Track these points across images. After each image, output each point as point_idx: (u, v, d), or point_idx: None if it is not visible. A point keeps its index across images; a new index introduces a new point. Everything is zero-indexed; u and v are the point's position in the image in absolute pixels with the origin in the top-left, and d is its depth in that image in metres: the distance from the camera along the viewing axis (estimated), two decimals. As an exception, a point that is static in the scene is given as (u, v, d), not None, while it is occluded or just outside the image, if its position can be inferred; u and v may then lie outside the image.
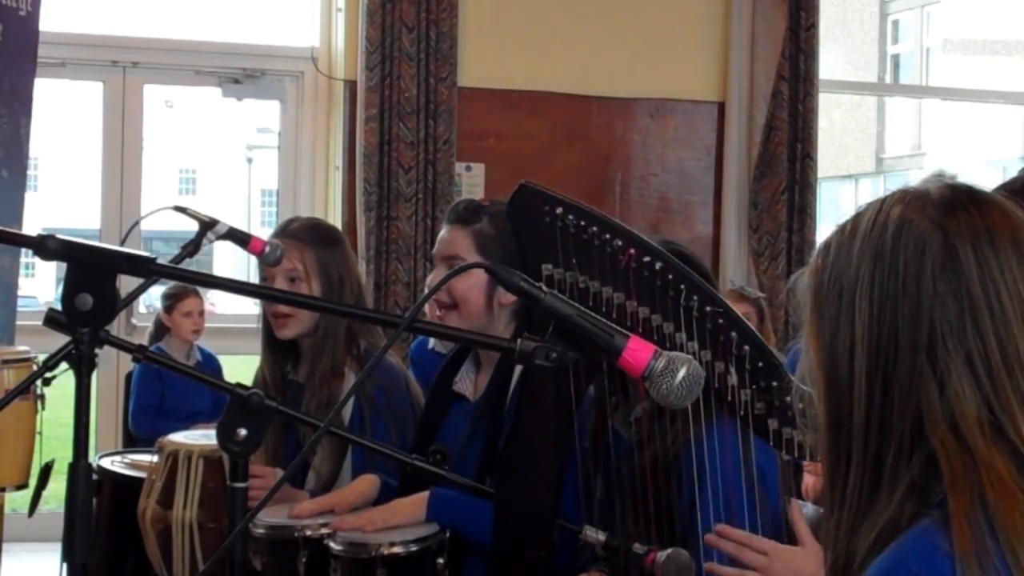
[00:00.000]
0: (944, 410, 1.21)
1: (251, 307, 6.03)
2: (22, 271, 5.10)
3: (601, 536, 2.08)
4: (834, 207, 16.33)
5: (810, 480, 4.22)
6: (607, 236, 2.23)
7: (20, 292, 5.00)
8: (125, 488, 2.83)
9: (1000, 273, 1.22)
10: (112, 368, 5.76)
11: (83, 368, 1.66)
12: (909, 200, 1.27)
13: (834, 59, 16.30)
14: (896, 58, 21.05)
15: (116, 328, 2.79)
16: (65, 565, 1.68)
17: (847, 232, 1.29)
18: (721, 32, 6.33)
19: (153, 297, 6.29)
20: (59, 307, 1.69)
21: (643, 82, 6.28)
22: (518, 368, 2.51)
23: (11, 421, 3.17)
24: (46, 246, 1.70)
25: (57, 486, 2.23)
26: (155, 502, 2.69)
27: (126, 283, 2.12)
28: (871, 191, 20.15)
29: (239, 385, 1.74)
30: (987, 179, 2.02)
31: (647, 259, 2.20)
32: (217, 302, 9.68)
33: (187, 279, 2.59)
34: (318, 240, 2.97)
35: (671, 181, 6.37)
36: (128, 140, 6.18)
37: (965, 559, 1.14)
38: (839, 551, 1.25)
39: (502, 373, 2.57)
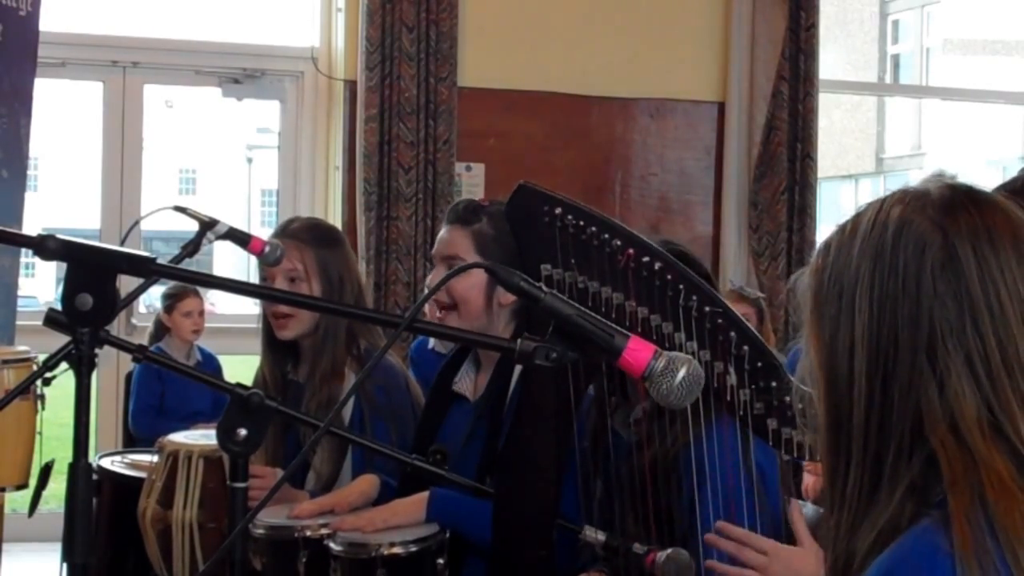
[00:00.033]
0: (944, 410, 1.21)
1: (251, 307, 6.03)
2: (22, 271, 5.10)
3: (601, 536, 2.08)
4: (834, 207, 16.33)
5: (810, 480, 4.22)
6: (606, 236, 2.23)
7: (20, 292, 5.00)
8: (125, 488, 2.83)
9: (1000, 273, 1.22)
10: (112, 368, 5.76)
11: (83, 368, 1.66)
12: (909, 200, 1.27)
13: (834, 59, 16.30)
14: (896, 58, 21.05)
15: (116, 328, 2.79)
16: (65, 565, 1.68)
17: (847, 232, 1.29)
18: (721, 32, 6.33)
19: (153, 297, 6.29)
20: (59, 307, 1.69)
21: (643, 82, 6.28)
22: (518, 368, 2.51)
23: (11, 421, 3.17)
24: (46, 246, 1.70)
25: (57, 486, 2.23)
26: (155, 502, 2.69)
27: (126, 283, 2.12)
28: (871, 191, 20.15)
29: (239, 385, 1.74)
30: (987, 179, 2.02)
31: (646, 259, 2.20)
32: (217, 302, 9.68)
33: (187, 279, 2.59)
34: (318, 240, 2.97)
35: (671, 181, 6.37)
36: (128, 140, 6.18)
37: (965, 559, 1.14)
38: (839, 551, 1.25)
39: (502, 373, 2.57)
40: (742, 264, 6.28)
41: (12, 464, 3.24)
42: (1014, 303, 1.22)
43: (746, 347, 2.15)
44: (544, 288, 1.69)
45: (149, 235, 13.20)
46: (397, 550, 2.33)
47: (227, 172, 27.77)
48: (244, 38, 7.10)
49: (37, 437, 3.24)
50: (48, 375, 1.83)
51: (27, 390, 3.03)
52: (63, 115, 17.33)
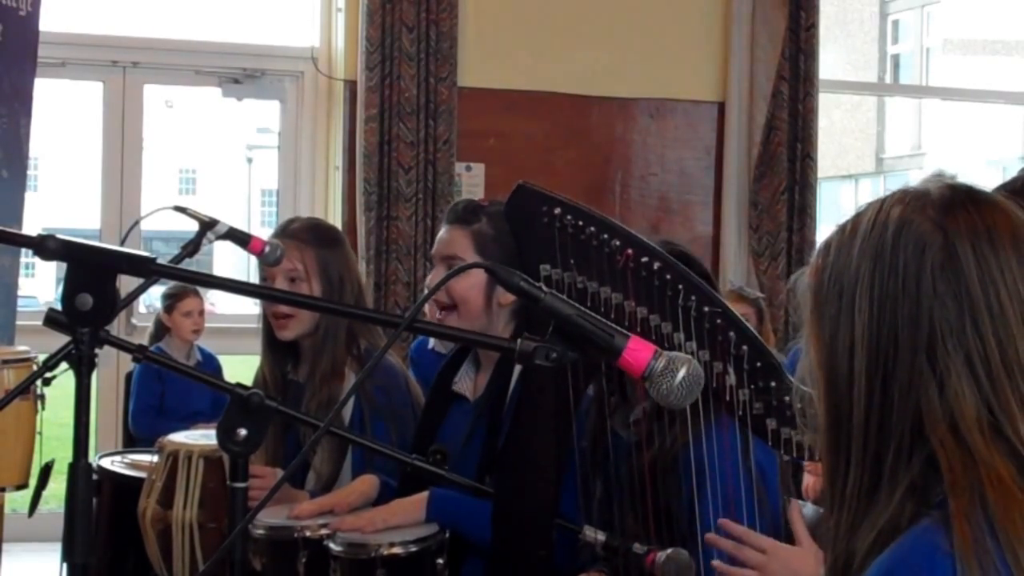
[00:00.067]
0: (944, 410, 1.21)
1: (251, 307, 6.03)
2: (22, 271, 5.10)
3: (601, 536, 2.08)
4: (834, 207, 16.33)
5: (810, 480, 4.23)
6: (605, 236, 2.23)
7: (20, 292, 5.01)
8: (125, 488, 2.83)
9: (1000, 273, 1.22)
10: (112, 368, 5.76)
11: (83, 368, 1.66)
12: (909, 200, 1.27)
13: (834, 59, 16.30)
14: (896, 58, 21.05)
15: (116, 328, 2.79)
16: (65, 565, 1.68)
17: (847, 232, 1.29)
18: (721, 32, 6.33)
19: (153, 297, 6.29)
20: (59, 307, 1.69)
21: (643, 82, 6.28)
22: (517, 368, 2.51)
23: (11, 421, 3.17)
24: (46, 246, 1.70)
25: (57, 486, 2.23)
26: (155, 502, 2.69)
27: (126, 283, 2.12)
28: (871, 191, 20.15)
29: (239, 385, 1.74)
30: (987, 179, 2.02)
31: (645, 259, 2.20)
32: (217, 302, 9.68)
33: (187, 279, 2.59)
34: (318, 240, 2.97)
35: (671, 181, 6.37)
36: (128, 140, 6.18)
37: (965, 559, 1.14)
38: (838, 551, 1.25)
39: (501, 373, 2.57)
40: (742, 264, 6.28)
41: (12, 464, 3.24)
42: (1014, 303, 1.22)
43: (745, 347, 2.15)
44: (544, 288, 1.69)
45: (149, 235, 13.20)
46: (397, 550, 2.33)
47: (227, 172, 27.77)
48: (244, 38, 7.10)
49: (37, 437, 3.24)
50: (48, 375, 1.83)
51: (27, 390, 3.03)
52: (63, 115, 17.33)
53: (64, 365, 1.71)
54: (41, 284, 19.60)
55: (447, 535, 2.40)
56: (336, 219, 5.87)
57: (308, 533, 2.42)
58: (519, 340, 1.68)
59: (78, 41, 6.12)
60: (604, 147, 6.28)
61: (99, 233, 6.15)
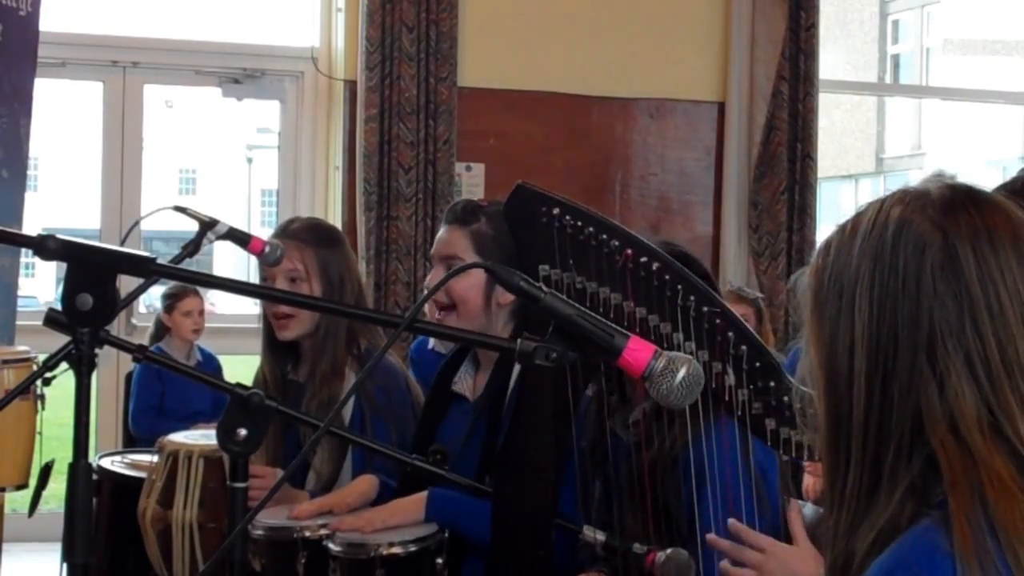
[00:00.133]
0: (944, 410, 1.21)
1: (251, 307, 6.03)
2: (22, 271, 5.10)
3: (600, 536, 2.08)
4: (834, 207, 16.32)
5: (810, 481, 4.23)
6: (604, 236, 2.23)
7: (20, 292, 5.01)
8: (125, 488, 2.83)
9: (1000, 274, 1.22)
10: (112, 368, 5.76)
11: (83, 368, 1.66)
12: (909, 200, 1.27)
13: (834, 59, 16.30)
14: (896, 58, 21.05)
15: (116, 328, 2.79)
16: (65, 565, 1.68)
17: (847, 232, 1.29)
18: (721, 32, 6.33)
19: (153, 297, 6.29)
20: (59, 307, 1.69)
21: (643, 82, 6.28)
22: (517, 368, 2.51)
23: (11, 421, 3.17)
24: (46, 246, 1.70)
25: (57, 486, 2.23)
26: (155, 502, 2.69)
27: (126, 283, 2.12)
28: (871, 191, 20.15)
29: (239, 385, 1.74)
30: (987, 179, 2.02)
31: (644, 259, 2.20)
32: (217, 302, 9.68)
33: (187, 279, 2.59)
34: (318, 240, 2.97)
35: (671, 181, 6.37)
36: (128, 140, 6.18)
37: (965, 559, 1.14)
38: (838, 551, 1.25)
39: (501, 373, 2.57)
40: (742, 264, 6.28)
41: (12, 464, 3.24)
42: (1014, 303, 1.22)
43: (744, 347, 2.15)
44: (544, 288, 1.69)
45: (149, 235, 13.20)
46: (396, 550, 2.33)
47: (227, 172, 27.77)
48: (244, 38, 7.10)
49: (37, 437, 3.24)
50: (48, 375, 1.83)
51: (27, 390, 3.03)
52: (63, 115, 17.34)
53: (64, 365, 1.70)
54: (41, 284, 19.60)
55: (446, 535, 2.40)
56: (336, 219, 5.87)
57: (307, 533, 2.42)
58: (519, 340, 1.68)
59: (78, 41, 6.12)
60: (604, 147, 6.28)
61: (99, 233, 6.15)
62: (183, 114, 23.04)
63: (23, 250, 4.45)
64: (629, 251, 2.21)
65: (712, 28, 6.33)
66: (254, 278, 3.12)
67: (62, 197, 23.49)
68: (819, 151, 6.38)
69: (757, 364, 2.15)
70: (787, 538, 2.00)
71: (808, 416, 1.34)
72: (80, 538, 1.65)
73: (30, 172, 5.41)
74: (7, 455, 3.23)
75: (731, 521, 2.00)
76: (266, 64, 6.22)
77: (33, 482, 3.01)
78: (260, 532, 2.44)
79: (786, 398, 2.11)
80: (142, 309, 6.50)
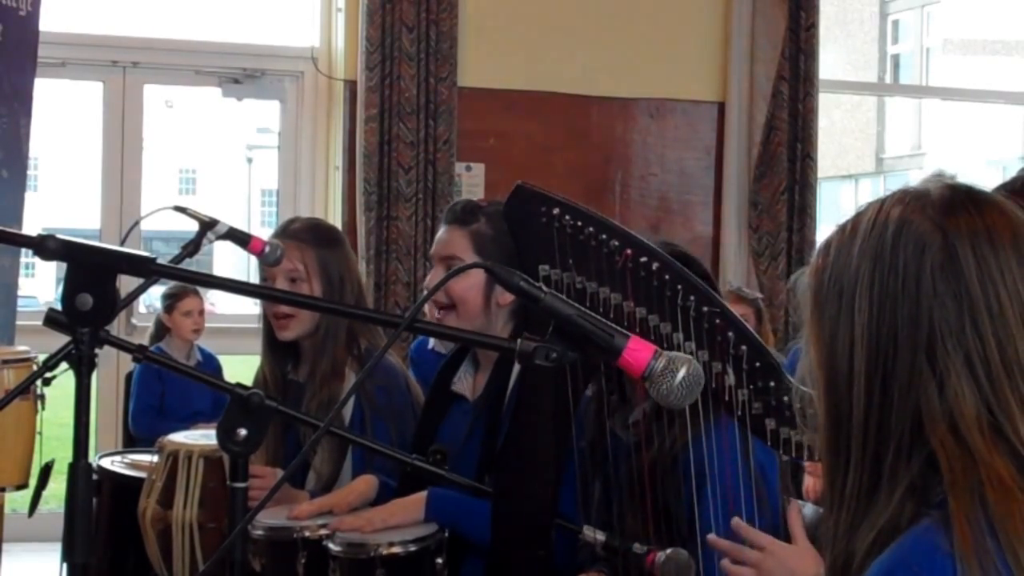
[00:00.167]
0: (943, 410, 1.21)
1: (251, 307, 6.03)
2: (22, 271, 5.10)
3: (600, 536, 2.08)
4: (834, 207, 16.32)
5: (810, 481, 4.23)
6: (604, 236, 2.23)
7: (20, 292, 5.00)
8: (125, 488, 2.83)
9: (1000, 274, 1.22)
10: (112, 368, 5.76)
11: (83, 368, 1.66)
12: (909, 200, 1.27)
13: (834, 59, 16.30)
14: (896, 58, 21.05)
15: (116, 328, 2.79)
16: (65, 565, 1.68)
17: (847, 232, 1.29)
18: (721, 32, 6.33)
19: (153, 297, 6.29)
20: (59, 307, 1.69)
21: (643, 82, 6.28)
22: (516, 368, 2.51)
23: (11, 421, 3.17)
24: (46, 246, 1.70)
25: (57, 486, 2.23)
26: (155, 502, 2.69)
27: (126, 283, 2.12)
28: (871, 191, 20.15)
29: (239, 385, 1.74)
30: (987, 179, 2.02)
31: (644, 259, 2.20)
32: (217, 302, 9.68)
33: (187, 279, 2.59)
34: (319, 240, 2.97)
35: (671, 181, 6.37)
36: (128, 140, 6.18)
37: (965, 559, 1.14)
38: (838, 551, 1.25)
39: (500, 373, 2.57)
40: (742, 264, 6.28)
41: (12, 464, 3.24)
42: (1014, 304, 1.22)
43: (744, 347, 2.15)
44: (544, 288, 1.69)
45: (149, 235, 13.20)
46: (396, 550, 2.33)
47: (227, 172, 27.77)
48: (244, 38, 7.10)
49: (37, 437, 3.24)
50: (48, 375, 1.83)
51: (27, 390, 3.03)
52: (63, 115, 17.33)
53: (64, 365, 1.70)
54: (41, 284, 19.60)
55: (446, 535, 2.40)
56: (336, 219, 5.87)
57: (307, 533, 2.42)
58: (519, 340, 1.68)
59: (78, 41, 6.12)
60: (604, 147, 6.28)
61: (99, 233, 6.15)
62: (183, 114, 23.04)
63: (23, 250, 4.45)
64: (629, 251, 2.21)
65: (712, 28, 6.33)
66: (254, 278, 3.12)
67: (62, 197, 23.48)
68: (819, 151, 6.38)
69: (757, 364, 2.15)
70: (787, 538, 2.00)
71: (808, 416, 1.34)
72: (80, 538, 1.65)
73: (30, 172, 5.41)
74: (7, 455, 3.23)
75: (734, 519, 2.00)
76: (266, 64, 6.22)
77: (33, 482, 3.01)
78: (260, 532, 2.44)
79: (786, 398, 2.11)
80: (142, 309, 6.50)
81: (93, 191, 6.57)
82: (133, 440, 5.36)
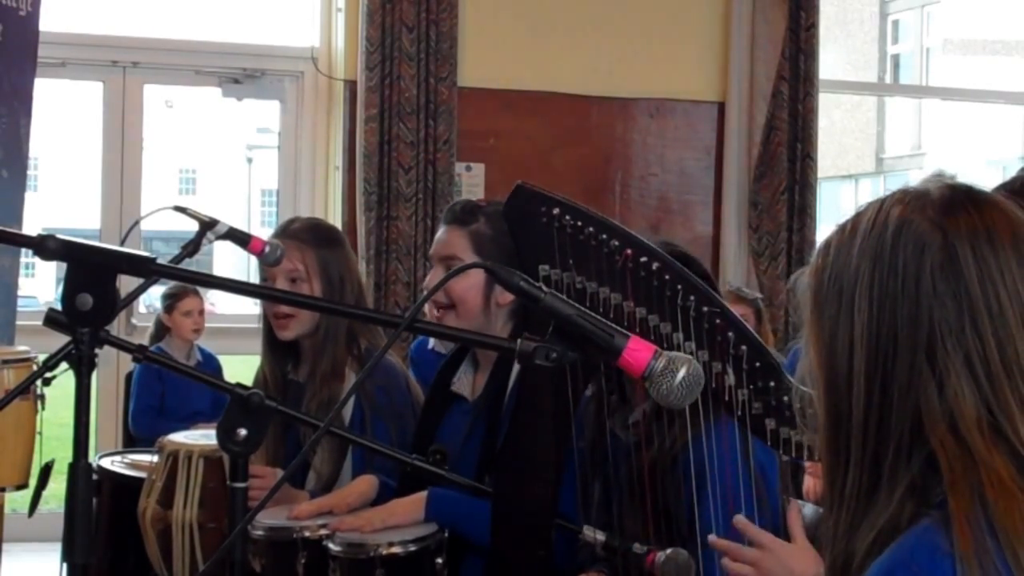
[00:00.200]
0: (943, 410, 1.21)
1: (251, 307, 6.03)
2: (22, 271, 5.10)
3: (600, 536, 2.08)
4: (834, 207, 16.32)
5: (811, 482, 4.23)
6: (604, 236, 2.23)
7: (20, 292, 5.00)
8: (125, 488, 2.83)
9: (1000, 274, 1.22)
10: (112, 368, 5.76)
11: (83, 368, 1.66)
12: (909, 200, 1.27)
13: (834, 59, 16.30)
14: (896, 58, 21.05)
15: (116, 328, 2.79)
16: (65, 565, 1.68)
17: (847, 232, 1.30)
18: (721, 32, 6.33)
19: (153, 297, 6.29)
20: (59, 307, 1.69)
21: (643, 82, 6.28)
22: (516, 368, 2.51)
23: (11, 421, 3.17)
24: (46, 246, 1.70)
25: (57, 486, 2.23)
26: (155, 502, 2.69)
27: (126, 283, 2.12)
28: (871, 191, 20.15)
29: (239, 385, 1.74)
30: (987, 179, 2.02)
31: (644, 259, 2.20)
32: (217, 302, 9.68)
33: (187, 279, 2.59)
34: (319, 240, 2.97)
35: (671, 181, 6.37)
36: (128, 140, 6.18)
37: (966, 559, 1.14)
38: (838, 551, 1.25)
39: (500, 373, 2.57)
40: (742, 264, 6.28)
41: (12, 464, 3.24)
42: (1013, 304, 1.22)
43: (744, 347, 2.15)
44: (544, 288, 1.69)
45: (149, 235, 13.21)
46: (396, 550, 2.33)
47: (227, 172, 27.77)
48: (244, 38, 7.10)
49: (37, 437, 3.24)
50: (48, 375, 1.83)
51: (27, 390, 3.03)
52: (63, 115, 17.33)
53: (64, 365, 1.70)
54: (41, 284, 19.60)
55: (446, 535, 2.40)
56: (336, 219, 5.87)
57: (307, 534, 2.42)
58: (519, 340, 1.68)
59: (78, 41, 6.12)
60: (604, 147, 6.28)
61: (99, 233, 6.15)
62: (183, 114, 23.03)
63: (23, 250, 4.45)
64: (629, 251, 2.21)
65: (712, 28, 6.33)
66: (254, 278, 3.12)
67: (62, 197, 23.48)
68: (819, 151, 6.38)
69: (757, 364, 2.15)
70: (787, 538, 2.00)
71: (808, 416, 1.34)
72: (80, 538, 1.65)
73: (30, 172, 5.41)
74: (7, 455, 3.23)
75: (737, 516, 2.00)
76: (266, 64, 6.22)
77: (33, 482, 3.01)
78: (260, 532, 2.44)
79: (786, 398, 2.11)
80: (142, 309, 6.50)
81: (93, 191, 6.57)
82: (133, 440, 5.36)
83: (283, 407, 1.77)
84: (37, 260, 1.97)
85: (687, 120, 6.39)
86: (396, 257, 5.82)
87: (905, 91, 22.19)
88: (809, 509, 2.93)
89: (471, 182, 6.04)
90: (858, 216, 1.30)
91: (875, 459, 1.24)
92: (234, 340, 5.81)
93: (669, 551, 1.99)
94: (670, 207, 6.37)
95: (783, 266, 6.26)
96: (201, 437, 2.78)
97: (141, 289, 2.89)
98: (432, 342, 4.28)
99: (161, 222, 3.15)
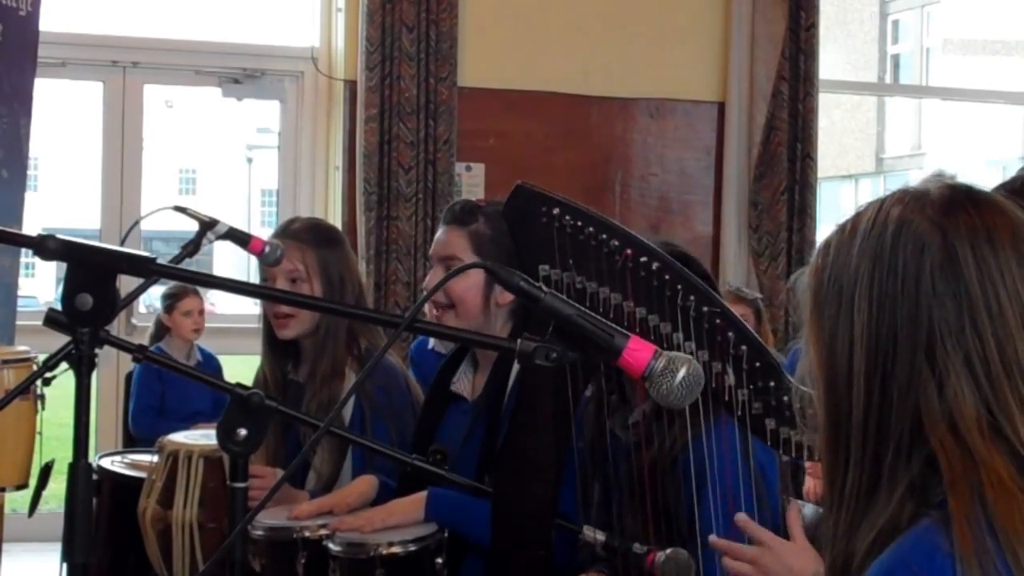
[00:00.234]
0: (943, 410, 1.21)
1: (251, 307, 6.03)
2: (22, 271, 5.09)
3: (600, 536, 2.08)
4: (834, 207, 16.32)
5: (811, 483, 4.23)
6: (604, 236, 2.23)
7: (20, 292, 5.00)
8: (125, 488, 2.83)
9: (999, 274, 1.22)
10: (112, 368, 5.76)
11: (83, 368, 1.66)
12: (909, 200, 1.27)
13: (834, 59, 16.30)
14: (896, 58, 21.05)
15: (116, 328, 2.79)
16: (65, 565, 1.68)
17: (847, 232, 1.30)
18: (721, 32, 6.33)
19: (153, 297, 6.29)
20: (59, 307, 1.69)
21: (643, 82, 6.28)
22: (515, 368, 2.51)
23: (11, 421, 3.17)
24: (46, 246, 1.70)
25: (57, 486, 2.23)
26: (155, 502, 2.69)
27: (126, 283, 2.12)
28: (871, 191, 20.15)
29: (239, 385, 1.74)
30: (987, 179, 2.01)
31: (644, 259, 2.20)
32: (217, 302, 9.68)
33: (187, 279, 2.59)
34: (319, 240, 2.97)
35: (671, 181, 6.37)
36: (128, 140, 6.18)
37: (965, 559, 1.14)
38: (838, 551, 1.25)
39: (499, 373, 2.57)
40: (742, 264, 6.28)
41: (12, 464, 3.24)
42: (1013, 304, 1.22)
43: (744, 347, 2.15)
44: (544, 288, 1.69)
45: (149, 235, 13.20)
46: (396, 550, 2.33)
47: (227, 172, 27.77)
48: (244, 38, 7.10)
49: (37, 437, 3.24)
50: (48, 375, 1.83)
51: (27, 390, 3.03)
52: (63, 115, 17.34)
53: (64, 365, 1.70)
54: (41, 284, 19.60)
55: (446, 534, 2.40)
56: (336, 219, 5.87)
57: (307, 533, 2.42)
58: (519, 340, 1.68)
59: (78, 41, 6.12)
60: (604, 147, 6.28)
61: (99, 233, 6.15)
62: (183, 114, 23.04)
63: (23, 250, 4.45)
64: (629, 251, 2.21)
65: (712, 28, 6.33)
66: (254, 278, 3.12)
67: (62, 197, 23.49)
68: (819, 151, 6.38)
69: (757, 364, 2.15)
70: (786, 538, 2.00)
71: (808, 416, 1.34)
72: (80, 538, 1.65)
73: (30, 172, 5.41)
74: (7, 455, 3.23)
75: (738, 514, 2.00)
76: (266, 64, 6.22)
77: (33, 482, 3.01)
78: (260, 532, 2.44)
79: (786, 398, 2.11)
80: (142, 309, 6.50)
81: (93, 191, 6.57)
82: (133, 440, 5.37)
83: (283, 407, 1.77)
84: (37, 260, 1.97)
85: (687, 120, 6.39)
86: (396, 257, 5.82)
87: (905, 91, 22.19)
88: (809, 509, 2.93)
89: (471, 182, 6.04)
90: (858, 216, 1.30)
91: (875, 459, 1.24)
92: (234, 340, 5.80)
93: (669, 551, 1.99)
94: (670, 207, 6.37)
95: (783, 266, 6.25)
96: (201, 437, 2.78)
97: (141, 289, 2.89)
98: (432, 342, 4.28)
99: (161, 222, 3.15)
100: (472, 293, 2.58)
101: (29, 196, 5.02)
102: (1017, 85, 14.98)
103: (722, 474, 2.14)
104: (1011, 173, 2.28)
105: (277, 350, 2.98)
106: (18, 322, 4.76)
